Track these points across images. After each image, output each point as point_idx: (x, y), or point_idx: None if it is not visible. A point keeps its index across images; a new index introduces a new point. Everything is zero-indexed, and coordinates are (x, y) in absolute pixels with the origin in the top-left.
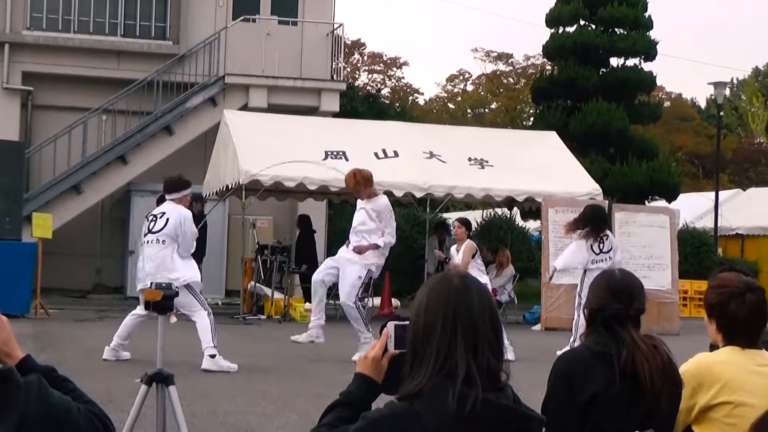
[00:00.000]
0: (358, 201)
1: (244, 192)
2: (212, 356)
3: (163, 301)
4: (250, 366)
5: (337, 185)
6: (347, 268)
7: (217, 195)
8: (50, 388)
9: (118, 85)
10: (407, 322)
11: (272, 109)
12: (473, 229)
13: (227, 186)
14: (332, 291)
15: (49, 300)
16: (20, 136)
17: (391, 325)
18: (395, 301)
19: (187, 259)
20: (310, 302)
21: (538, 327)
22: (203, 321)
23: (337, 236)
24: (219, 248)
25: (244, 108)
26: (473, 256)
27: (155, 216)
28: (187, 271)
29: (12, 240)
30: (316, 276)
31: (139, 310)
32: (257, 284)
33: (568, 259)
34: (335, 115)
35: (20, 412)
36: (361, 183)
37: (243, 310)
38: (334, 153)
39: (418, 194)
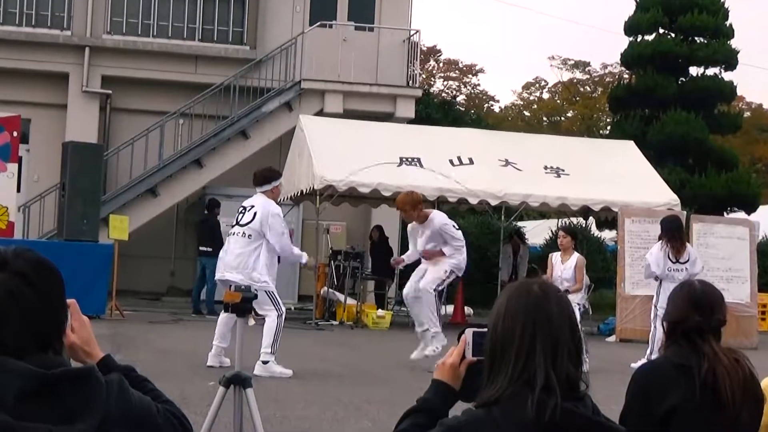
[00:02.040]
0: (413, 225)
1: (318, 197)
2: (265, 362)
3: (242, 303)
4: (322, 371)
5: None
6: (434, 266)
7: (291, 200)
8: (130, 387)
9: (195, 90)
10: (485, 329)
11: (347, 114)
12: (546, 238)
13: (302, 191)
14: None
15: (124, 301)
16: (98, 139)
17: (469, 332)
18: (468, 310)
19: (271, 263)
20: (382, 308)
21: (612, 338)
22: (272, 322)
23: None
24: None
25: (320, 113)
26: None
27: (244, 208)
28: (267, 275)
29: (89, 241)
30: (407, 293)
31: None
32: (330, 290)
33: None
34: (410, 121)
35: (102, 411)
36: (410, 205)
37: (315, 315)
38: (409, 159)
39: (493, 202)
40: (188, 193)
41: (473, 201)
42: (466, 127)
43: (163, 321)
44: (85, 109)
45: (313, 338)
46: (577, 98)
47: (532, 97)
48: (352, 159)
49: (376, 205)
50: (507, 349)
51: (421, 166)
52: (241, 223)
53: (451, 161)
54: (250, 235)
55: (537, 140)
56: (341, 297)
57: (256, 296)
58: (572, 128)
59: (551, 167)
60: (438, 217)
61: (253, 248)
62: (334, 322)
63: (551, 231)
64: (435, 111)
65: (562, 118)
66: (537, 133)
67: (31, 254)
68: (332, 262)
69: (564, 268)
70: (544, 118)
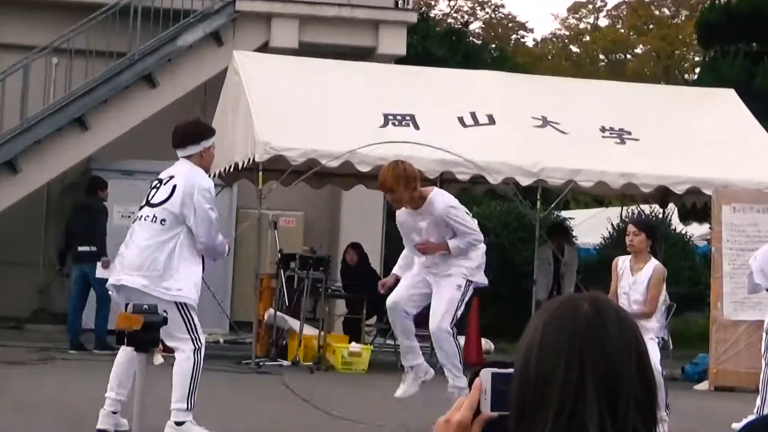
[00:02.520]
0: (404, 212)
1: (261, 174)
2: (178, 424)
3: (143, 331)
4: None
5: None
6: (441, 282)
7: (220, 178)
8: None
9: (76, 13)
10: (511, 370)
11: (306, 50)
12: (607, 235)
13: (236, 165)
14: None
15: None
16: None
17: (486, 375)
18: (486, 343)
19: (193, 263)
20: (356, 341)
21: (704, 385)
22: (186, 362)
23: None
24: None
25: (264, 49)
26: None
27: (160, 181)
28: (187, 282)
29: None
30: (393, 303)
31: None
32: (279, 313)
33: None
34: (400, 60)
35: None
36: (402, 183)
37: (256, 351)
38: (398, 117)
39: (524, 181)
40: (65, 167)
41: (494, 180)
42: (483, 69)
43: (27, 361)
44: None
45: (253, 387)
46: (651, 25)
47: (582, 25)
48: (312, 117)
49: (348, 186)
50: (544, 397)
51: (416, 127)
52: (152, 201)
53: (460, 120)
54: (163, 220)
55: (590, 88)
56: (295, 324)
57: (165, 321)
58: (643, 71)
59: (611, 129)
60: (440, 196)
61: (168, 239)
62: (285, 363)
63: (612, 225)
64: (437, 45)
65: (629, 56)
66: (590, 78)
67: None
68: (282, 271)
69: (634, 281)
70: (602, 56)
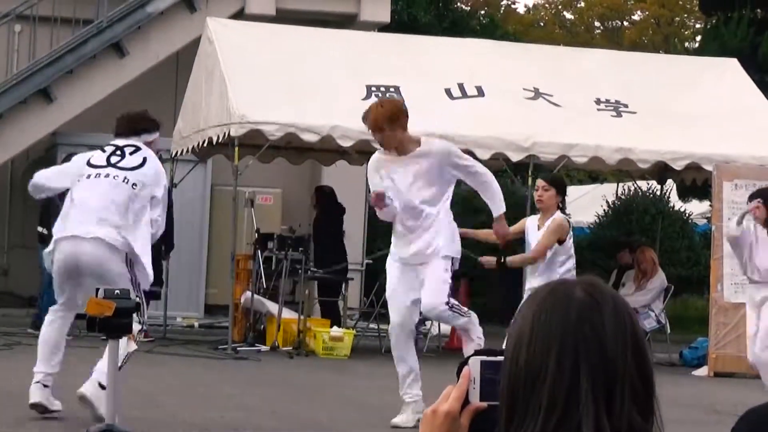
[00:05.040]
0: (389, 163)
1: (237, 149)
2: (102, 386)
3: (116, 318)
4: (244, 426)
5: None
6: (430, 264)
7: (193, 153)
8: None
9: None
10: (500, 358)
11: (283, 17)
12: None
13: (210, 139)
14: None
15: None
16: None
17: (475, 363)
18: None
19: (149, 239)
20: (338, 325)
21: (703, 371)
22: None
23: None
24: (196, 238)
25: (239, 15)
26: (561, 241)
27: (119, 148)
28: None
29: None
30: (401, 322)
31: (58, 307)
32: (256, 296)
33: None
34: (384, 28)
35: None
36: (389, 119)
37: (233, 337)
38: (382, 89)
39: (516, 156)
40: (29, 142)
41: (483, 155)
42: (472, 38)
43: None
44: None
45: (229, 373)
46: None
47: None
48: (290, 88)
49: (329, 162)
50: (535, 388)
51: (401, 97)
52: (120, 165)
53: (447, 91)
54: (135, 184)
55: (585, 58)
56: (273, 308)
57: (138, 306)
58: (641, 39)
59: (607, 101)
60: (438, 140)
61: (137, 207)
62: (263, 348)
63: (607, 203)
64: (423, 12)
65: (625, 23)
66: (585, 47)
67: None
68: (259, 252)
69: (536, 235)
70: (597, 24)
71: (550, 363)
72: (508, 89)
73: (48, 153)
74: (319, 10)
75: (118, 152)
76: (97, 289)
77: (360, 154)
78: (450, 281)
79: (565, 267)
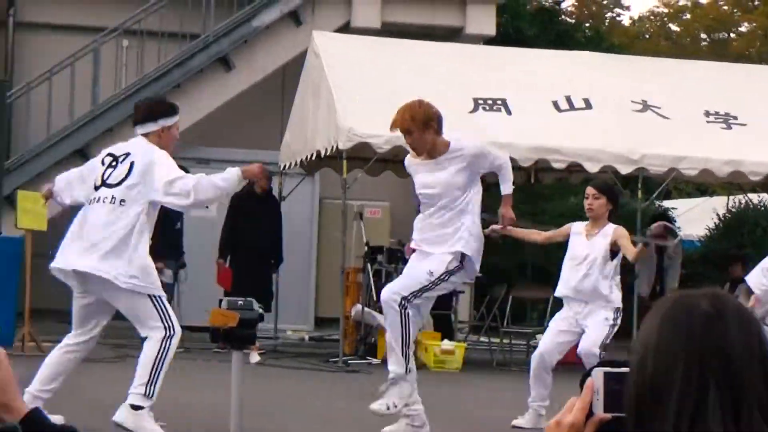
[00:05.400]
0: (416, 166)
1: (345, 163)
2: (135, 407)
3: (239, 329)
4: None
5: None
6: (415, 266)
7: (301, 167)
8: None
9: None
10: (624, 370)
11: (389, 30)
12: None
13: (318, 153)
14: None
15: (42, 328)
16: None
17: (598, 374)
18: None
19: (144, 241)
20: (450, 338)
21: None
22: (153, 345)
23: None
24: (305, 251)
25: (345, 29)
26: (614, 253)
27: (114, 157)
28: (146, 269)
29: None
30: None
31: (70, 338)
32: (366, 309)
33: None
34: (489, 41)
35: None
36: (420, 123)
37: (343, 350)
38: (489, 102)
39: (625, 169)
40: None
41: (592, 168)
42: (578, 50)
43: (100, 358)
44: None
45: (339, 386)
46: (757, 1)
47: (682, 2)
48: (397, 101)
49: None
50: (662, 398)
51: (508, 112)
52: (108, 182)
53: (555, 104)
54: (123, 201)
55: (693, 70)
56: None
57: (261, 317)
58: (749, 51)
59: (717, 113)
60: (465, 139)
61: (130, 220)
62: (374, 361)
63: (718, 215)
64: (528, 25)
65: (732, 35)
66: (690, 59)
67: None
68: (369, 265)
69: (591, 244)
70: (703, 35)
71: (677, 374)
72: (616, 101)
73: None
74: (425, 23)
75: (113, 162)
76: (221, 300)
77: None
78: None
79: (616, 280)
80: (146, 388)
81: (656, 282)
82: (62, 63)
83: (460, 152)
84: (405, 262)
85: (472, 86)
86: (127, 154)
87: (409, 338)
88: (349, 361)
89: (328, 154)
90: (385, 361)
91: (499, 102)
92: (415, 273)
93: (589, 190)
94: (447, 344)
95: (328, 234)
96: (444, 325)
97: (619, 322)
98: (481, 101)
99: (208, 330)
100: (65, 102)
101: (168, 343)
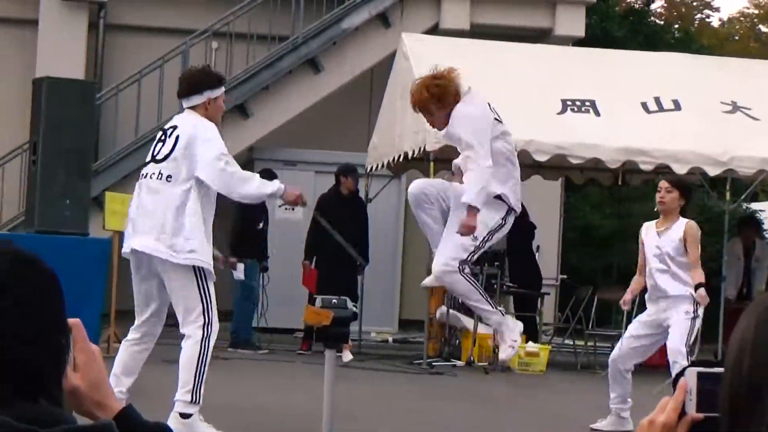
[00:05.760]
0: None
1: (432, 165)
2: (184, 416)
3: (333, 327)
4: None
5: (581, 155)
6: (454, 219)
7: (388, 168)
8: None
9: None
10: (718, 369)
11: (478, 32)
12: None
13: (405, 154)
14: (569, 327)
15: (127, 328)
16: (88, 74)
17: (691, 374)
18: None
19: (207, 219)
20: (534, 340)
21: None
22: (193, 346)
23: (578, 236)
24: (390, 252)
25: (434, 31)
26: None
27: (164, 132)
28: (200, 243)
29: (74, 234)
30: (415, 189)
31: (133, 332)
32: (451, 311)
33: None
34: (578, 43)
35: None
36: (436, 100)
37: (428, 352)
38: (578, 103)
39: (713, 171)
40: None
41: (680, 169)
42: (667, 51)
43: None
44: (65, 28)
45: (424, 388)
46: None
47: None
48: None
49: (524, 177)
50: (759, 397)
51: (597, 113)
52: (157, 157)
53: (644, 105)
54: (169, 176)
55: None
56: (469, 323)
57: (355, 316)
58: None
59: None
60: (463, 105)
61: (176, 196)
62: (459, 363)
63: None
64: (617, 26)
65: None
66: None
67: (7, 248)
68: None
69: (663, 239)
70: None
71: None
72: (705, 103)
73: (245, 168)
74: (514, 24)
75: (162, 137)
76: (314, 299)
77: (555, 169)
78: (476, 250)
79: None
80: (192, 394)
81: (743, 285)
82: (151, 65)
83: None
84: (491, 264)
85: (561, 87)
86: (174, 127)
87: (482, 290)
88: (434, 363)
89: (415, 155)
90: (469, 364)
91: (587, 103)
92: (459, 239)
93: (662, 184)
94: (531, 346)
95: (413, 236)
96: (529, 328)
97: (701, 313)
98: (569, 102)
99: (292, 332)
100: (153, 104)
101: (207, 343)
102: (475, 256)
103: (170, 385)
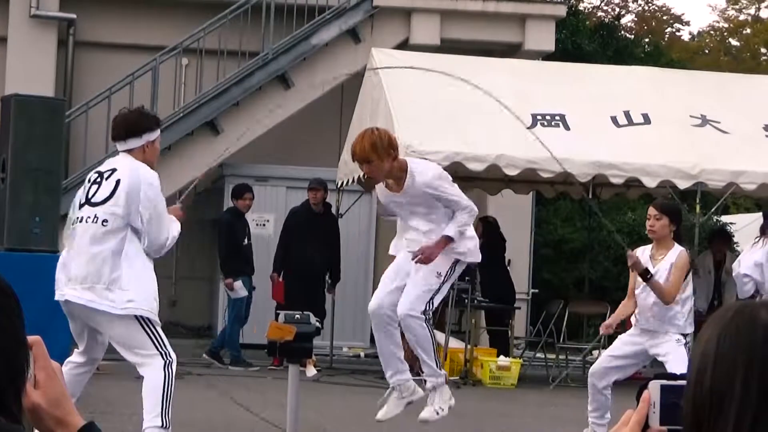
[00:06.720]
0: (383, 192)
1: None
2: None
3: (296, 342)
4: None
5: (551, 168)
6: (420, 270)
7: (359, 183)
8: None
9: (206, 11)
10: (681, 382)
11: (448, 47)
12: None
13: None
14: (540, 341)
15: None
16: (57, 90)
17: (654, 387)
18: None
19: (144, 267)
20: (505, 354)
21: None
22: (155, 376)
23: (549, 249)
24: (361, 268)
25: (404, 46)
26: (684, 276)
27: (100, 175)
28: (137, 291)
29: (44, 251)
30: (372, 310)
31: (75, 356)
32: None
33: None
34: (548, 57)
35: None
36: (379, 150)
37: None
38: (547, 117)
39: (683, 184)
40: (197, 174)
41: (650, 183)
42: (637, 65)
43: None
44: (35, 45)
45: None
46: None
47: (742, 17)
48: (455, 118)
49: (494, 191)
50: (721, 411)
51: (567, 127)
52: (92, 200)
53: (613, 119)
54: (105, 221)
55: (752, 85)
56: (440, 337)
57: (318, 331)
58: None
59: None
60: (422, 167)
61: (111, 243)
62: None
63: None
64: (587, 40)
65: None
66: (751, 74)
67: None
68: None
69: (656, 271)
70: (763, 50)
71: (737, 386)
72: (675, 116)
73: (215, 184)
74: (484, 39)
75: (98, 179)
76: (277, 314)
77: (525, 183)
78: (440, 288)
79: (687, 306)
80: (161, 418)
81: (714, 297)
82: (121, 82)
83: (410, 188)
84: (462, 279)
85: (531, 102)
86: (113, 170)
87: (435, 344)
88: None
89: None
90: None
91: (557, 117)
92: (424, 280)
93: (651, 211)
94: (503, 360)
95: (385, 251)
96: (500, 341)
97: (689, 339)
98: (539, 117)
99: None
100: None
101: (171, 369)
102: (437, 298)
103: (140, 402)
